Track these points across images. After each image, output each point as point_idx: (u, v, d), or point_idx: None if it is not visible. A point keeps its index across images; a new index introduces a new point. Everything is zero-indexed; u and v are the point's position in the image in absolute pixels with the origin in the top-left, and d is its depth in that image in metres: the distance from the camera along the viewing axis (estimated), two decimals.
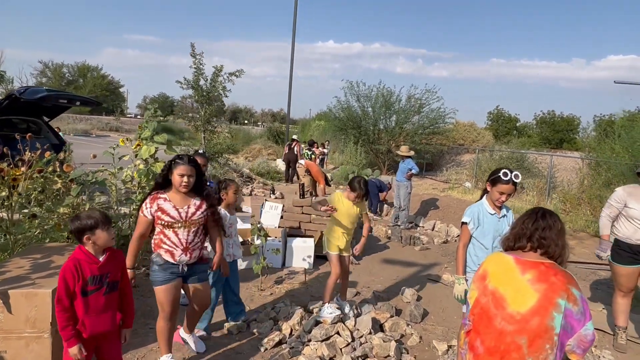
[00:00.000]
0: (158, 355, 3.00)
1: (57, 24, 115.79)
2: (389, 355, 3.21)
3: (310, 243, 5.48)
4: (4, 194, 3.61)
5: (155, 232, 2.69)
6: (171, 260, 2.66)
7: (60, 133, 9.40)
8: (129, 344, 3.26)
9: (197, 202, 2.72)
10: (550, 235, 1.67)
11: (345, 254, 3.85)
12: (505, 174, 2.76)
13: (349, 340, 3.35)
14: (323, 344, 3.23)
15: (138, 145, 4.79)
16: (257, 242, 4.68)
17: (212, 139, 9.51)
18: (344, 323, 3.53)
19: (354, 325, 3.58)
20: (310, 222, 5.82)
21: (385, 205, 9.89)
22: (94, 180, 4.17)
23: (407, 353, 3.37)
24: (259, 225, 4.73)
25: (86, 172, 4.25)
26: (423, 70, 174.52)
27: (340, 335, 3.39)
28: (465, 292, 2.79)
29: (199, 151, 3.98)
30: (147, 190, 4.11)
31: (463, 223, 2.98)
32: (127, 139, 4.98)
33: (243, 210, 5.76)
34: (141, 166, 4.71)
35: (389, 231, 7.58)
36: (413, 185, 9.02)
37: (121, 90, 63.17)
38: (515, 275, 1.65)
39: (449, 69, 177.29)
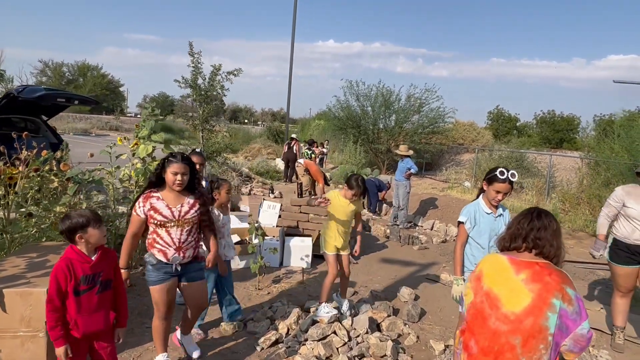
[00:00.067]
0: (154, 354, 2.99)
1: (57, 23, 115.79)
2: (385, 355, 3.21)
3: (308, 242, 5.48)
4: (0, 192, 3.60)
5: (149, 232, 2.67)
6: (164, 260, 2.64)
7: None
8: (125, 343, 3.27)
9: (191, 201, 2.69)
10: (545, 236, 1.66)
11: (343, 253, 3.83)
12: (502, 173, 2.76)
13: (346, 340, 3.34)
14: (319, 344, 3.22)
15: (136, 144, 4.79)
16: (255, 241, 4.68)
17: (210, 138, 9.49)
18: (340, 322, 3.53)
19: (351, 325, 3.57)
20: (308, 221, 5.82)
21: (385, 205, 9.88)
22: (90, 179, 4.15)
23: (404, 353, 3.36)
24: (256, 225, 4.72)
25: (83, 171, 4.23)
26: (423, 69, 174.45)
27: (336, 335, 3.38)
28: None
29: (196, 150, 3.96)
30: None
31: (460, 222, 2.97)
32: (124, 138, 4.96)
33: (241, 209, 5.76)
34: (139, 165, 4.70)
35: (388, 230, 7.57)
36: (412, 184, 9.02)
37: (121, 89, 63.26)
38: (509, 275, 1.64)
39: (449, 69, 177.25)
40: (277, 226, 5.66)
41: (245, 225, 5.34)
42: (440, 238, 7.51)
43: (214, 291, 3.60)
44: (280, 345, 3.33)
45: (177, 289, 2.85)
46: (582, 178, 10.39)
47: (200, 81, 8.80)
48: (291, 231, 5.79)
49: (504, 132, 31.13)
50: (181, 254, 2.67)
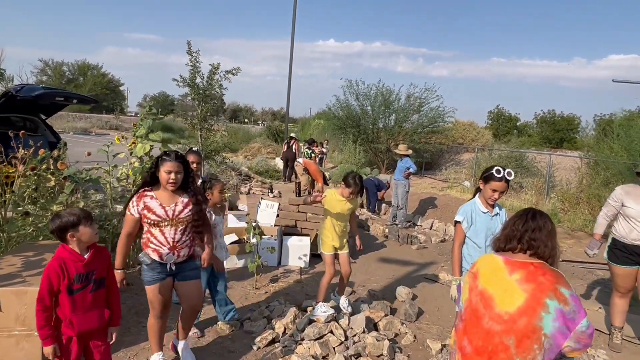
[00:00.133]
0: (150, 353, 2.98)
1: (57, 22, 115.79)
2: (382, 354, 3.20)
3: (306, 242, 5.47)
4: None
5: (143, 231, 2.65)
6: (158, 260, 2.62)
7: None
8: (122, 342, 3.27)
9: (185, 200, 2.66)
10: (540, 237, 1.66)
11: (342, 252, 3.80)
12: (498, 171, 2.75)
13: (342, 339, 3.34)
14: (316, 343, 3.22)
15: (133, 143, 4.78)
16: (253, 240, 4.67)
17: (208, 137, 9.47)
18: (337, 322, 3.52)
19: (348, 324, 3.56)
20: (306, 220, 5.81)
21: (384, 204, 9.87)
22: (87, 178, 4.15)
23: (401, 352, 3.35)
24: (254, 224, 4.71)
25: (80, 170, 4.23)
26: (424, 69, 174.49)
27: (333, 334, 3.38)
28: None
29: (193, 149, 3.95)
30: None
31: (456, 222, 2.96)
32: (122, 137, 4.96)
33: (239, 208, 5.75)
34: (136, 164, 4.70)
35: (387, 230, 7.56)
36: (411, 184, 9.01)
37: (121, 88, 63.29)
38: (503, 275, 1.64)
39: (449, 68, 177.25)
40: (275, 225, 5.65)
41: (243, 224, 5.33)
42: (439, 237, 7.50)
43: (207, 291, 3.59)
44: (276, 345, 3.32)
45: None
46: (581, 178, 10.38)
47: (198, 80, 8.78)
48: (289, 230, 5.78)
49: (504, 131, 31.11)
50: (175, 254, 2.64)
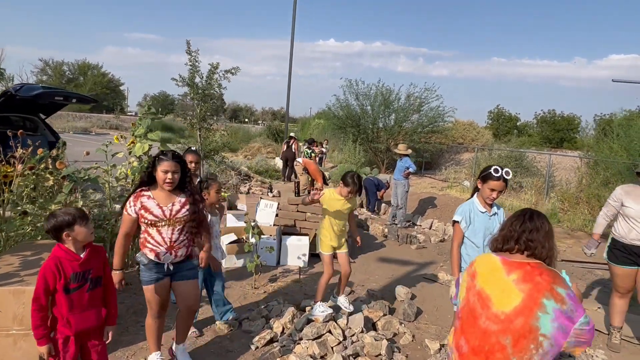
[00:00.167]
0: (148, 353, 2.98)
1: (57, 22, 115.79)
2: (380, 354, 3.19)
3: (305, 241, 5.47)
4: None
5: (141, 231, 2.64)
6: (156, 260, 2.61)
7: None
8: (120, 341, 3.27)
9: (182, 200, 2.64)
10: (537, 238, 1.66)
11: (341, 251, 3.77)
12: (496, 170, 2.75)
13: (341, 339, 3.33)
14: (314, 343, 3.21)
15: (132, 142, 4.79)
16: (252, 240, 4.66)
17: (208, 136, 9.47)
18: (335, 322, 3.51)
19: (346, 324, 3.56)
20: (305, 220, 5.81)
21: (383, 204, 9.87)
22: (86, 177, 4.14)
23: (399, 352, 3.35)
24: (253, 223, 4.71)
25: (78, 170, 4.22)
26: (424, 69, 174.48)
27: (331, 334, 3.37)
28: None
29: (192, 148, 3.94)
30: None
31: (455, 222, 2.96)
32: (121, 136, 4.95)
33: (238, 208, 5.75)
34: (135, 163, 4.70)
35: (386, 230, 7.56)
36: (411, 183, 9.00)
37: (121, 88, 63.30)
38: (500, 275, 1.65)
39: (449, 68, 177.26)
40: (274, 225, 5.65)
41: (242, 224, 5.32)
42: (438, 237, 7.50)
43: (204, 291, 3.58)
44: (275, 344, 3.32)
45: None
46: (581, 177, 10.37)
47: (197, 80, 8.78)
48: (288, 230, 5.77)
49: (505, 131, 31.08)
50: (173, 253, 2.63)
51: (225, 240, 5.22)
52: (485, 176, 2.80)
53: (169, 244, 2.60)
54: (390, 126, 16.23)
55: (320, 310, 3.57)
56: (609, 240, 3.75)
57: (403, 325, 3.80)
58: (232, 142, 18.05)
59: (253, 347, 3.30)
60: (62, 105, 8.48)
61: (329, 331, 3.41)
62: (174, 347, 3.02)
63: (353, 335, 3.44)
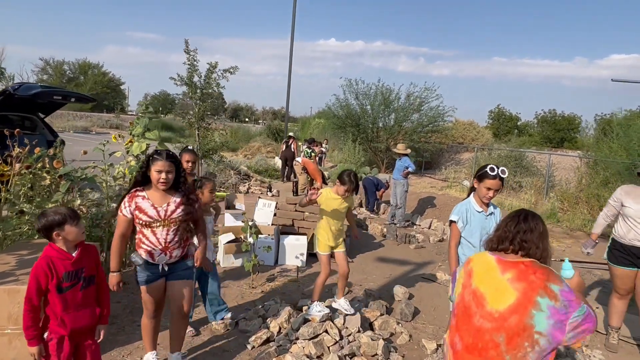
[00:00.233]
0: (144, 352, 2.98)
1: (58, 21, 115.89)
2: (376, 354, 3.19)
3: (303, 241, 5.46)
4: None
5: (136, 231, 2.62)
6: (150, 260, 2.59)
7: None
8: (116, 341, 3.27)
9: (177, 200, 2.61)
10: (531, 238, 1.68)
11: (338, 251, 3.73)
12: (492, 169, 2.74)
13: (337, 339, 3.32)
14: (310, 342, 3.20)
15: (130, 141, 4.78)
16: (249, 239, 4.66)
17: (206, 136, 9.47)
18: (332, 321, 3.50)
19: (343, 324, 3.55)
20: (303, 219, 5.80)
21: (383, 204, 9.86)
22: (83, 176, 4.14)
23: (396, 352, 3.34)
24: (250, 223, 4.71)
25: (75, 169, 4.22)
26: (425, 68, 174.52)
27: (328, 334, 3.36)
28: None
29: (188, 147, 3.93)
30: None
31: (451, 222, 2.95)
32: (119, 136, 4.95)
33: (236, 207, 5.74)
34: (133, 163, 4.70)
35: (385, 229, 7.55)
36: (411, 183, 8.98)
37: (122, 87, 63.33)
38: (495, 274, 1.66)
39: (450, 67, 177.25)
40: (272, 224, 5.64)
41: (240, 223, 5.32)
42: (437, 237, 7.49)
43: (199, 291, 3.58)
44: (271, 344, 3.31)
45: None
46: (580, 177, 10.34)
47: (196, 79, 8.78)
48: (286, 229, 5.77)
49: (505, 131, 31.04)
50: (168, 254, 2.60)
51: (223, 239, 5.21)
52: (481, 175, 2.80)
53: (163, 245, 2.57)
54: (390, 126, 16.20)
55: (317, 309, 3.56)
56: (610, 240, 3.74)
57: (400, 325, 3.79)
58: (231, 141, 18.03)
59: (249, 347, 3.29)
60: (61, 105, 8.47)
61: (326, 331, 3.39)
62: (169, 358, 2.90)
63: (350, 335, 3.43)
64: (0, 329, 2.65)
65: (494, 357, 1.58)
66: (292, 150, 12.84)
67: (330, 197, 3.58)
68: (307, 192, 3.74)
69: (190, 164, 3.60)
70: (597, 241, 3.82)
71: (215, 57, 8.96)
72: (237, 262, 5.16)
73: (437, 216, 9.05)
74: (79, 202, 4.38)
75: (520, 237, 1.69)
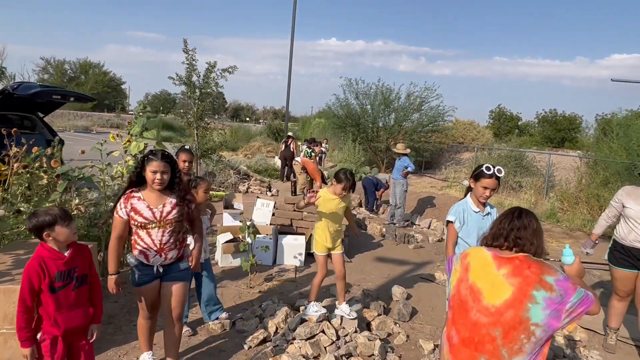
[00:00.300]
0: (141, 352, 2.97)
1: (59, 20, 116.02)
2: (373, 354, 3.18)
3: (301, 241, 5.46)
4: None
5: (133, 232, 2.59)
6: (145, 262, 2.57)
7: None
8: (112, 340, 3.27)
9: (173, 201, 2.58)
10: (525, 235, 1.70)
11: (335, 252, 3.71)
12: (488, 168, 2.74)
13: (334, 339, 3.32)
14: (307, 343, 3.20)
15: (128, 141, 4.78)
16: (247, 239, 4.66)
17: (205, 135, 9.46)
18: (329, 321, 3.50)
19: (340, 324, 3.55)
20: (301, 219, 5.79)
21: (383, 204, 9.85)
22: (80, 176, 4.14)
23: (392, 352, 3.34)
24: (249, 223, 4.70)
25: (73, 168, 4.22)
26: (426, 68, 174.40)
27: (325, 334, 3.36)
28: None
29: (185, 147, 3.92)
30: None
31: (448, 222, 2.94)
32: (117, 135, 4.95)
33: (235, 207, 5.73)
34: (131, 162, 4.70)
35: (384, 229, 7.54)
36: (411, 183, 8.96)
37: (123, 87, 63.37)
38: (491, 270, 1.68)
39: (451, 67, 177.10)
40: (270, 224, 5.64)
41: (238, 223, 5.31)
42: (436, 237, 7.48)
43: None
44: (268, 344, 3.31)
45: None
46: (580, 177, 10.32)
47: (194, 78, 8.78)
48: (285, 229, 5.76)
49: (506, 131, 30.98)
50: (163, 256, 2.57)
51: (221, 239, 5.21)
52: (477, 174, 2.80)
53: (158, 246, 2.54)
54: (390, 125, 16.18)
55: (314, 310, 3.55)
56: (611, 241, 3.73)
57: (398, 325, 3.78)
58: (230, 141, 18.03)
59: (246, 347, 3.29)
60: (60, 104, 8.46)
61: (323, 331, 3.39)
62: None
63: (346, 335, 3.43)
64: None
65: (490, 351, 1.61)
66: (292, 150, 12.82)
67: (327, 198, 3.56)
68: (305, 195, 3.72)
69: (186, 164, 3.60)
70: (597, 242, 3.81)
71: (216, 57, 9.02)
72: (236, 262, 5.15)
73: (437, 216, 9.03)
74: (77, 201, 4.38)
75: (514, 234, 1.71)
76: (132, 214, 2.50)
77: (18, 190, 3.91)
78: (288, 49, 16.49)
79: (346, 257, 5.70)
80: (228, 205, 5.75)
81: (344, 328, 3.51)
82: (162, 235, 2.54)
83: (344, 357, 3.13)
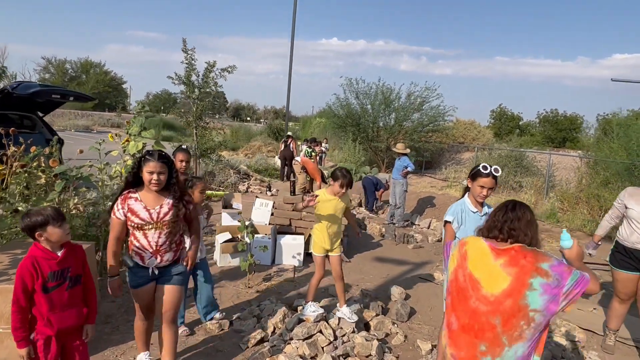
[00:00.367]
0: (138, 352, 2.97)
1: (60, 20, 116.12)
2: (370, 355, 3.17)
3: (300, 240, 5.45)
4: None
5: (130, 233, 2.57)
6: (140, 263, 2.55)
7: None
8: (110, 340, 3.27)
9: (171, 202, 2.55)
10: (519, 226, 1.73)
11: (333, 254, 3.66)
12: (485, 167, 2.73)
13: (331, 339, 3.31)
14: (304, 343, 3.19)
15: (127, 140, 4.78)
16: (246, 239, 4.65)
17: (204, 135, 9.45)
18: (327, 321, 3.49)
19: (338, 324, 3.54)
20: (300, 219, 5.79)
21: (383, 204, 9.83)
22: (78, 175, 4.13)
23: (390, 352, 3.33)
24: (247, 222, 4.69)
25: (71, 168, 4.22)
26: (427, 67, 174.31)
27: (322, 334, 3.35)
28: None
29: (182, 146, 3.91)
30: None
31: (446, 222, 2.93)
32: (116, 135, 4.95)
33: (234, 206, 5.73)
34: (129, 162, 4.69)
35: (383, 229, 7.53)
36: (411, 183, 8.94)
37: (124, 86, 63.46)
38: (489, 260, 1.71)
39: (452, 67, 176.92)
40: (269, 224, 5.63)
41: (237, 222, 5.31)
42: (436, 237, 7.47)
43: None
44: (265, 344, 3.30)
45: None
46: (581, 177, 10.30)
47: (193, 78, 8.77)
48: (284, 229, 5.76)
49: (507, 131, 30.93)
50: (159, 258, 2.55)
51: (220, 239, 5.21)
52: (474, 174, 2.79)
53: (154, 248, 2.52)
54: (390, 125, 16.16)
55: (312, 310, 3.54)
56: (613, 243, 3.71)
57: (396, 325, 3.78)
58: (229, 140, 18.02)
59: (243, 347, 3.28)
60: (60, 103, 8.46)
61: (320, 331, 3.38)
62: None
63: (344, 335, 3.42)
64: None
65: (490, 338, 1.65)
66: (291, 149, 12.81)
67: (326, 198, 3.52)
68: (304, 197, 3.70)
69: (183, 164, 3.59)
70: (599, 243, 3.79)
71: (218, 56, 9.10)
72: (234, 262, 5.15)
73: (437, 216, 9.02)
74: (76, 200, 4.38)
75: (508, 225, 1.74)
76: (129, 214, 2.48)
77: (16, 189, 3.91)
78: (289, 48, 16.49)
79: (345, 257, 5.69)
80: (227, 205, 5.74)
81: (341, 328, 3.50)
82: (159, 237, 2.52)
83: (341, 358, 3.12)
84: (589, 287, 1.58)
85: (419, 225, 8.68)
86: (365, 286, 4.83)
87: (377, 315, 3.87)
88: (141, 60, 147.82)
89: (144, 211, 2.48)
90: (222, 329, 3.55)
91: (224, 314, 3.73)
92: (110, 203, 4.65)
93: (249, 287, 4.53)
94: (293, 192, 5.95)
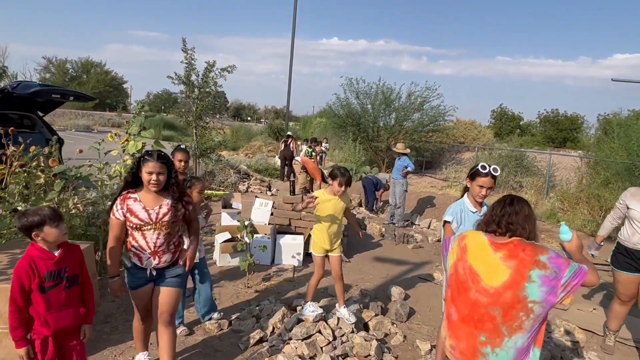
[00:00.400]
0: (136, 352, 2.97)
1: (61, 20, 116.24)
2: (369, 355, 3.17)
3: (299, 240, 5.45)
4: None
5: (128, 233, 2.56)
6: (138, 264, 2.54)
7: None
8: (109, 340, 3.27)
9: (170, 202, 2.54)
10: (517, 220, 1.75)
11: (333, 255, 3.65)
12: (484, 167, 2.73)
13: (330, 339, 3.31)
14: (303, 343, 3.19)
15: (126, 140, 4.78)
16: (245, 239, 4.65)
17: (204, 134, 9.45)
18: (326, 322, 3.49)
19: (337, 324, 3.53)
20: (300, 219, 5.78)
21: (382, 204, 9.83)
22: (78, 175, 4.13)
23: (389, 352, 3.33)
24: (246, 222, 4.69)
25: (70, 167, 4.22)
26: (428, 67, 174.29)
27: (321, 334, 3.35)
28: None
29: (181, 146, 3.90)
30: None
31: (445, 222, 2.93)
32: (115, 134, 4.95)
33: (233, 206, 5.73)
34: (129, 162, 4.70)
35: (383, 229, 7.52)
36: (411, 183, 8.93)
37: (125, 86, 63.50)
38: (488, 253, 1.73)
39: (453, 67, 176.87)
40: (269, 224, 5.63)
41: (237, 222, 5.31)
42: (436, 237, 7.46)
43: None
44: (264, 344, 3.30)
45: None
46: (581, 177, 10.28)
47: (193, 77, 8.77)
48: (283, 229, 5.75)
49: (507, 131, 30.90)
50: (157, 259, 2.54)
51: (220, 238, 5.20)
52: (473, 174, 2.79)
53: (153, 249, 2.51)
54: (390, 125, 16.14)
55: (311, 310, 3.54)
56: (615, 243, 3.69)
57: (395, 325, 3.77)
58: (229, 140, 18.02)
59: (242, 347, 3.28)
60: (60, 103, 8.46)
61: (319, 331, 3.38)
62: None
63: (343, 335, 3.42)
64: None
65: (490, 329, 1.67)
66: (291, 149, 12.81)
67: (325, 198, 3.50)
68: (303, 197, 3.69)
69: (182, 163, 3.58)
70: (601, 243, 3.77)
71: (218, 56, 9.08)
72: (234, 262, 5.15)
73: (437, 216, 9.01)
74: (75, 200, 4.38)
75: (506, 219, 1.76)
76: (127, 215, 2.46)
77: (15, 189, 3.91)
78: (289, 48, 16.49)
79: (345, 257, 5.69)
80: (227, 205, 5.74)
81: (340, 328, 3.49)
82: (157, 238, 2.51)
83: (340, 358, 3.12)
84: (587, 278, 1.60)
85: (419, 225, 8.68)
86: (364, 286, 4.83)
87: (376, 315, 3.87)
88: (142, 60, 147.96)
89: (143, 212, 2.47)
90: (221, 329, 3.55)
91: (222, 314, 3.73)
92: (109, 202, 4.67)
93: (248, 287, 4.53)
94: (293, 192, 5.94)
